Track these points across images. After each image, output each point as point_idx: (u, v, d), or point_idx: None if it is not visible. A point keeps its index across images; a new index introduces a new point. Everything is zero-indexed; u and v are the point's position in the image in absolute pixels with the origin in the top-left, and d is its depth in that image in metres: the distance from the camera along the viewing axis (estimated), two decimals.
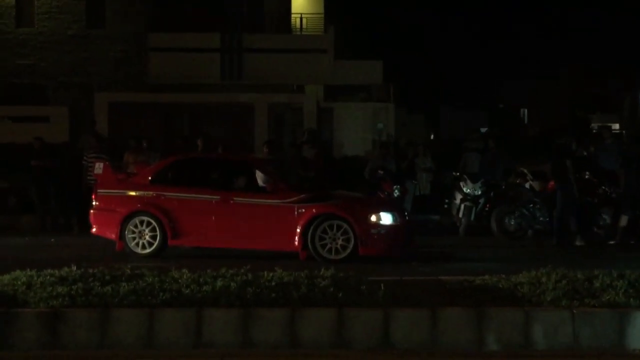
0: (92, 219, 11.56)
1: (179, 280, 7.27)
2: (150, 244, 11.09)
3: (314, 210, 10.75)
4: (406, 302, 6.88)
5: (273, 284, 7.19)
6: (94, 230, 11.58)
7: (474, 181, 14.85)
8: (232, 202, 11.02)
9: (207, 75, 22.08)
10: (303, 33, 24.51)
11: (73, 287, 6.99)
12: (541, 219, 14.15)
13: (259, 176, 11.95)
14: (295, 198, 10.86)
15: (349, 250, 10.64)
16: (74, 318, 6.64)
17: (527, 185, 14.91)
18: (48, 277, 7.26)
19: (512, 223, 14.09)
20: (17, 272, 7.41)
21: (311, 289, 7.04)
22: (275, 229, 10.83)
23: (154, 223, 11.07)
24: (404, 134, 29.30)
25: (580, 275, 7.49)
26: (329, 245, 10.66)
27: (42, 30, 22.99)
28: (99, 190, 11.52)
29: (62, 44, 22.90)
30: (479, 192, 14.64)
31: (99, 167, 11.83)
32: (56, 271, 7.52)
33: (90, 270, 7.58)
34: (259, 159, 13.45)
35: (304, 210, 10.79)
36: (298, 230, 10.72)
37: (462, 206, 14.58)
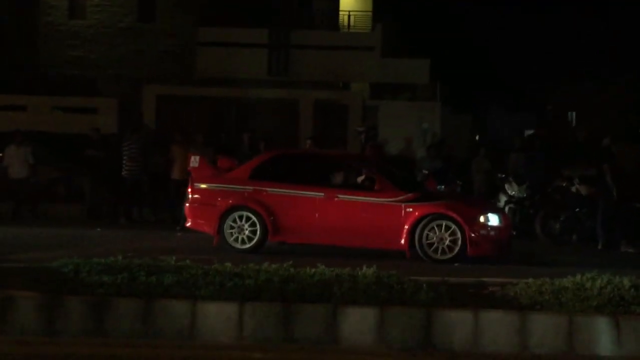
0: (187, 212, 11.50)
1: (223, 273, 7.34)
2: (250, 239, 11.05)
3: (423, 209, 10.77)
4: (448, 303, 6.86)
5: (315, 280, 7.22)
6: (189, 223, 11.51)
7: (519, 183, 14.71)
8: (336, 199, 11.02)
9: (254, 71, 22.20)
10: (350, 30, 24.50)
11: (118, 276, 7.10)
12: (587, 223, 13.97)
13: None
14: (402, 197, 10.86)
15: (456, 250, 10.68)
16: (118, 307, 6.74)
17: (573, 189, 14.73)
18: (95, 265, 7.37)
19: (557, 227, 13.93)
20: (65, 259, 7.55)
21: (353, 287, 7.05)
22: (382, 228, 10.83)
23: (254, 218, 11.03)
24: (450, 135, 29.12)
25: (626, 282, 7.39)
26: (436, 245, 10.71)
27: (94, 23, 23.34)
28: (195, 184, 11.45)
29: (112, 37, 23.23)
30: (524, 195, 14.49)
31: (194, 160, 11.68)
32: (103, 260, 7.64)
33: (136, 261, 7.68)
34: (363, 156, 13.46)
35: (411, 209, 10.80)
36: (405, 228, 10.74)
37: (507, 208, 14.45)
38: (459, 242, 10.64)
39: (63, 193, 16.58)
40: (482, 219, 10.79)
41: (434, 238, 10.69)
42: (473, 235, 10.63)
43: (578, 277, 7.52)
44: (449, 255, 10.67)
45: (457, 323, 6.66)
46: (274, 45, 22.34)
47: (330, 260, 8.54)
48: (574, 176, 15.10)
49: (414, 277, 7.63)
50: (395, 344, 6.59)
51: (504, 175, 15.30)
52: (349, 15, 24.51)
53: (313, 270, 7.47)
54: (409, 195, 10.96)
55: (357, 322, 6.66)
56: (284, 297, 6.84)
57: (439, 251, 10.70)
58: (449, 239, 10.68)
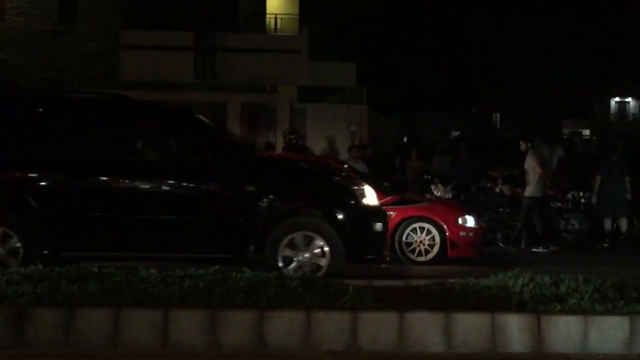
0: None
1: (147, 280, 7.22)
2: None
3: (404, 212, 10.84)
4: (374, 305, 6.89)
5: (241, 284, 7.16)
6: None
7: (444, 184, 14.94)
8: None
9: (181, 74, 21.99)
10: (277, 34, 24.48)
11: (38, 285, 6.91)
12: (510, 222, 14.26)
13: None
14: (383, 200, 10.89)
15: (435, 252, 10.78)
16: (39, 317, 6.57)
17: (496, 190, 15.03)
18: (14, 274, 7.17)
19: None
20: None
21: (280, 291, 7.03)
22: None
23: None
24: (379, 136, 29.38)
25: (547, 279, 7.55)
26: (416, 248, 10.78)
27: (14, 26, 22.76)
28: None
29: (34, 40, 22.70)
30: (450, 195, 14.72)
31: None
32: (22, 269, 7.44)
33: (57, 269, 7.50)
34: (341, 160, 13.45)
35: (392, 212, 10.81)
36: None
37: None
38: (438, 244, 10.83)
39: None
40: (460, 220, 11.03)
41: (416, 240, 10.83)
42: (453, 237, 10.85)
43: (501, 276, 7.66)
44: (429, 257, 10.84)
45: (382, 324, 6.70)
46: (200, 49, 22.17)
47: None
48: (497, 177, 15.40)
49: (346, 280, 7.64)
50: (322, 347, 6.59)
51: (429, 177, 15.52)
52: (275, 18, 24.49)
53: (239, 275, 7.41)
54: (389, 198, 11.09)
55: (284, 326, 6.64)
56: (209, 303, 6.78)
57: (421, 253, 10.86)
58: (428, 240, 10.85)
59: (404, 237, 10.89)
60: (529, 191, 13.44)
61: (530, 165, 13.47)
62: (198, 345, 6.54)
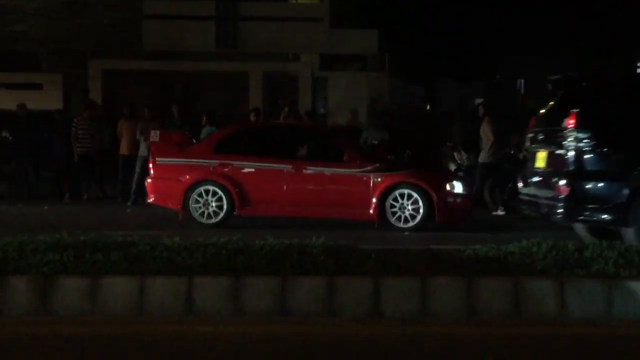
0: (149, 187, 11.33)
1: (171, 248, 7.27)
2: (216, 214, 10.98)
3: (392, 179, 10.87)
4: (396, 271, 6.90)
5: (264, 252, 7.19)
6: (151, 199, 11.36)
7: (467, 151, 14.85)
8: (305, 171, 10.99)
9: (202, 44, 21.92)
10: (299, 1, 24.30)
11: (64, 254, 6.98)
12: None
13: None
14: (371, 167, 10.94)
15: (421, 218, 10.84)
16: (64, 285, 6.65)
17: (521, 157, 14.90)
18: (40, 243, 7.24)
19: (505, 195, 14.10)
20: (9, 238, 7.40)
21: (302, 258, 7.05)
22: (351, 198, 10.94)
23: (220, 193, 10.94)
24: (400, 105, 29.21)
25: (570, 245, 7.51)
26: (400, 214, 10.81)
27: None
28: (157, 159, 11.27)
29: (56, 10, 22.70)
30: (473, 163, 14.64)
31: (155, 135, 11.48)
32: (48, 238, 7.51)
33: (82, 238, 7.57)
34: (328, 126, 13.45)
35: (380, 179, 10.86)
36: (374, 199, 10.78)
37: None
38: (424, 210, 10.81)
39: (6, 171, 16.25)
40: (448, 187, 11.02)
41: (404, 207, 10.84)
42: (440, 203, 10.83)
43: (524, 242, 7.63)
44: (417, 223, 10.84)
45: (405, 290, 6.71)
46: (221, 17, 22.07)
47: (284, 233, 8.54)
48: (522, 144, 15.28)
49: (367, 246, 7.66)
50: (345, 313, 6.62)
51: (452, 144, 15.43)
52: None
53: (262, 242, 7.44)
54: (377, 165, 11.08)
55: (307, 293, 6.67)
56: (232, 270, 6.82)
57: (408, 220, 10.85)
58: (412, 207, 10.84)
59: (390, 203, 10.87)
60: (481, 157, 13.72)
61: (485, 132, 13.72)
62: (221, 312, 6.59)
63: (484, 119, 13.94)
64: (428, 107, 45.82)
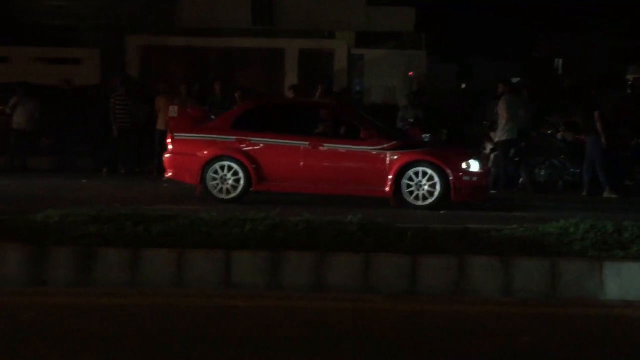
0: (168, 163, 11.42)
1: (209, 222, 7.35)
2: (234, 189, 11.07)
3: (408, 157, 10.89)
4: (433, 249, 6.91)
5: (301, 228, 7.24)
6: (169, 174, 11.45)
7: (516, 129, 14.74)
8: (321, 148, 11.05)
9: (238, 20, 21.95)
10: None
11: (105, 226, 7.09)
12: (571, 170, 14.07)
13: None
14: (387, 145, 10.98)
15: (439, 196, 10.88)
16: (105, 257, 6.76)
17: (558, 136, 14.79)
18: (80, 216, 7.36)
19: (542, 174, 14.03)
20: (51, 210, 7.53)
21: (339, 234, 7.09)
22: (367, 175, 10.99)
23: (237, 168, 11.03)
24: (436, 83, 29.01)
25: (609, 226, 7.45)
26: (417, 192, 10.85)
27: None
28: (175, 135, 11.35)
29: None
30: None
31: (173, 111, 11.58)
32: (88, 210, 7.62)
33: (122, 211, 7.68)
34: (347, 105, 13.46)
35: (396, 157, 10.90)
36: (390, 177, 10.83)
37: (492, 156, 14.50)
38: (443, 188, 10.81)
39: (46, 145, 16.48)
40: (464, 165, 11.00)
41: (420, 184, 10.84)
42: (457, 181, 10.81)
43: (562, 222, 7.59)
44: (433, 201, 10.84)
45: (441, 269, 6.72)
46: None
47: (314, 209, 8.59)
48: (558, 123, 15.15)
49: (400, 224, 7.67)
50: (381, 290, 6.66)
51: (489, 123, 15.32)
52: None
53: (299, 218, 7.49)
54: (394, 143, 11.07)
55: (343, 269, 6.72)
56: (270, 245, 6.88)
57: (423, 198, 10.86)
58: (428, 184, 10.85)
59: (406, 181, 10.87)
60: (497, 136, 13.68)
61: (500, 110, 13.67)
62: (259, 286, 6.67)
63: (501, 97, 13.89)
64: (463, 86, 45.46)
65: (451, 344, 5.42)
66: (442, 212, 10.73)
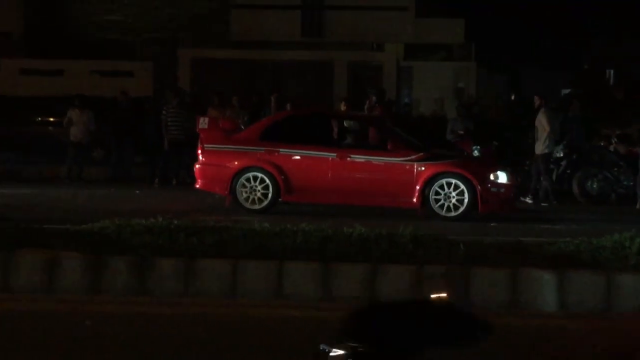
0: (198, 173, 11.58)
1: (261, 233, 7.43)
2: (262, 200, 11.20)
3: (435, 168, 10.91)
4: (485, 262, 6.89)
5: (352, 239, 7.28)
6: (199, 184, 11.62)
7: (556, 143, 14.60)
8: (349, 159, 11.14)
9: (288, 32, 22.14)
10: None
11: (159, 237, 7.22)
12: (625, 182, 13.86)
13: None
14: (414, 156, 11.01)
15: (465, 208, 10.83)
16: (160, 266, 6.88)
17: (611, 148, 14.59)
18: (136, 226, 7.50)
19: (595, 186, 13.85)
20: (107, 221, 7.69)
21: (391, 246, 7.11)
22: (394, 186, 11.02)
23: (266, 179, 11.15)
24: (485, 95, 28.84)
25: None
26: (446, 203, 10.83)
27: None
28: (205, 145, 11.51)
29: (148, 1, 23.28)
30: (561, 154, 14.39)
31: (203, 122, 11.74)
32: (143, 221, 7.77)
33: (175, 222, 7.80)
34: (375, 116, 13.53)
35: (424, 168, 10.93)
36: (417, 187, 10.85)
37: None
38: (468, 199, 10.77)
39: (99, 156, 16.79)
40: (492, 176, 10.95)
41: (448, 196, 10.82)
42: (484, 192, 10.77)
43: (617, 236, 7.50)
44: (461, 212, 10.80)
45: (495, 280, 6.70)
46: (308, 7, 22.24)
47: (340, 220, 8.61)
48: (611, 135, 14.94)
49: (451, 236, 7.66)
50: None
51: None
52: None
53: (351, 230, 7.53)
54: (421, 154, 11.09)
55: (396, 280, 6.73)
56: (322, 257, 6.93)
57: (451, 209, 10.82)
58: (457, 196, 10.81)
59: (433, 193, 10.84)
60: (537, 149, 13.43)
61: (541, 122, 13.42)
62: (311, 296, 6.71)
63: (539, 110, 13.71)
64: (513, 97, 45.02)
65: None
66: (492, 224, 10.67)
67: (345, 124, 13.48)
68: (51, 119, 17.31)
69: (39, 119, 17.93)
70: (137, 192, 14.09)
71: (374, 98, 14.36)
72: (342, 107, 14.78)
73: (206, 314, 6.34)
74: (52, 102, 17.35)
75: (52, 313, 6.30)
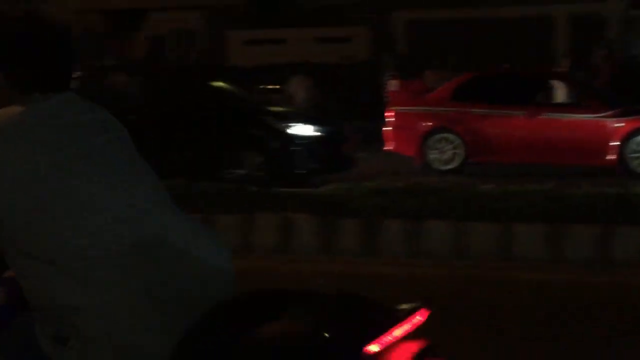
0: (386, 135, 11.77)
1: (486, 195, 7.43)
2: (451, 160, 11.27)
3: (633, 124, 10.50)
4: None
5: (579, 200, 7.10)
6: (388, 146, 11.83)
7: None
8: (540, 117, 10.94)
9: None
10: None
11: (387, 199, 7.43)
12: None
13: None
14: (610, 112, 10.63)
15: None
16: (388, 228, 7.10)
17: None
18: (364, 189, 7.77)
19: None
20: (337, 184, 8.04)
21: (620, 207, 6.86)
22: (588, 144, 10.71)
23: (456, 140, 11.20)
24: None
25: None
26: None
27: None
28: (395, 107, 11.69)
29: None
30: None
31: (393, 84, 12.01)
32: (369, 184, 8.01)
33: (399, 184, 7.98)
34: (565, 72, 13.17)
35: (623, 124, 10.50)
36: (614, 144, 10.48)
37: None
38: None
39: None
40: None
41: None
42: None
43: None
44: None
45: None
46: None
47: (524, 180, 8.34)
48: None
49: None
50: None
51: None
52: None
53: (578, 190, 7.34)
54: (617, 110, 10.53)
55: (632, 242, 6.50)
56: (549, 218, 6.83)
57: None
58: None
59: (631, 149, 10.10)
60: None
61: None
62: (539, 259, 6.65)
63: None
64: None
65: None
66: None
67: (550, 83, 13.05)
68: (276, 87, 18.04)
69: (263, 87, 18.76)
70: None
71: (602, 51, 13.74)
72: (565, 63, 14.29)
73: (433, 274, 6.48)
74: (276, 71, 18.10)
75: (289, 273, 6.68)
